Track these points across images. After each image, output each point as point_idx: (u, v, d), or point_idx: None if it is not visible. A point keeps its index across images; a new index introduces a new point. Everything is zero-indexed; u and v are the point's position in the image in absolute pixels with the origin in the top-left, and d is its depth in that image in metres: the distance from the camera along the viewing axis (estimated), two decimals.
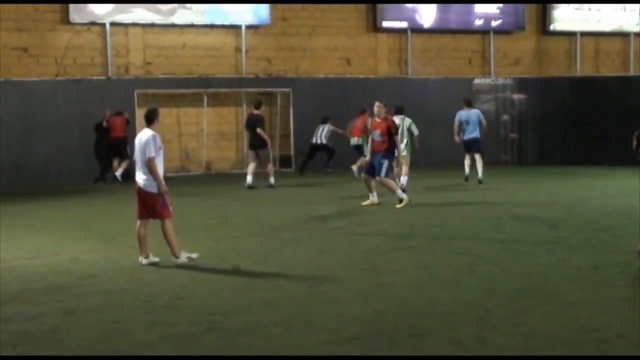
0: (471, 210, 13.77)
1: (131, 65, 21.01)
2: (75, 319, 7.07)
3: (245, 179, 17.60)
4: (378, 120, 13.87)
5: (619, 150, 21.70)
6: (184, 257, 9.31)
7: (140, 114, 20.47)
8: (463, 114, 18.32)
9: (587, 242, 10.40)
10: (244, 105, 21.80)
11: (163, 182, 9.30)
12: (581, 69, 25.78)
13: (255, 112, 17.93)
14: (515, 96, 24.07)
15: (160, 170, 9.33)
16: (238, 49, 21.95)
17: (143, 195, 9.36)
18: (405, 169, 16.00)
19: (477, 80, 24.00)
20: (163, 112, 21.02)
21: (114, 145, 19.39)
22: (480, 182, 17.63)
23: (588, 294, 7.65)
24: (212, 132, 21.85)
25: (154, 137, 9.28)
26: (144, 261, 9.35)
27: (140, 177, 9.36)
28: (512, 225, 12.01)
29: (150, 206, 9.34)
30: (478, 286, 7.96)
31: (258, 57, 22.21)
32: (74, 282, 8.51)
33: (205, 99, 21.42)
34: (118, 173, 19.31)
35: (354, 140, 19.73)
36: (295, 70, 22.54)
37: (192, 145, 21.73)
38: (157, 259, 9.41)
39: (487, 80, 24.16)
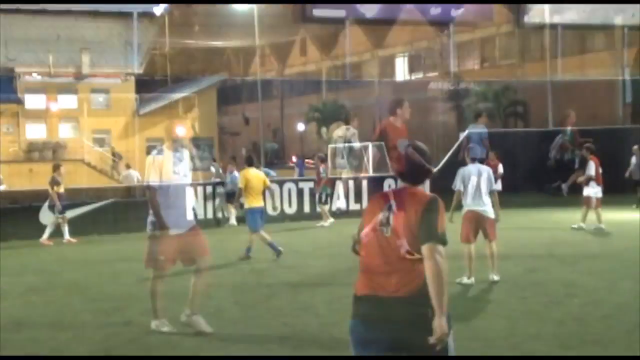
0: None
1: None
2: None
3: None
4: (398, 125, 12.04)
5: None
6: (154, 323, 9.24)
7: None
8: (472, 130, 19.39)
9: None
10: None
11: (163, 221, 8.98)
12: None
13: None
14: (482, 105, 24.18)
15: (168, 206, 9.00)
16: None
17: None
18: None
19: (433, 85, 24.10)
20: None
21: None
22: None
23: None
24: None
25: (153, 158, 8.98)
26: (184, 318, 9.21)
27: None
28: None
29: None
30: None
31: None
32: None
33: None
34: None
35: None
36: None
37: None
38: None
39: (446, 85, 24.23)
